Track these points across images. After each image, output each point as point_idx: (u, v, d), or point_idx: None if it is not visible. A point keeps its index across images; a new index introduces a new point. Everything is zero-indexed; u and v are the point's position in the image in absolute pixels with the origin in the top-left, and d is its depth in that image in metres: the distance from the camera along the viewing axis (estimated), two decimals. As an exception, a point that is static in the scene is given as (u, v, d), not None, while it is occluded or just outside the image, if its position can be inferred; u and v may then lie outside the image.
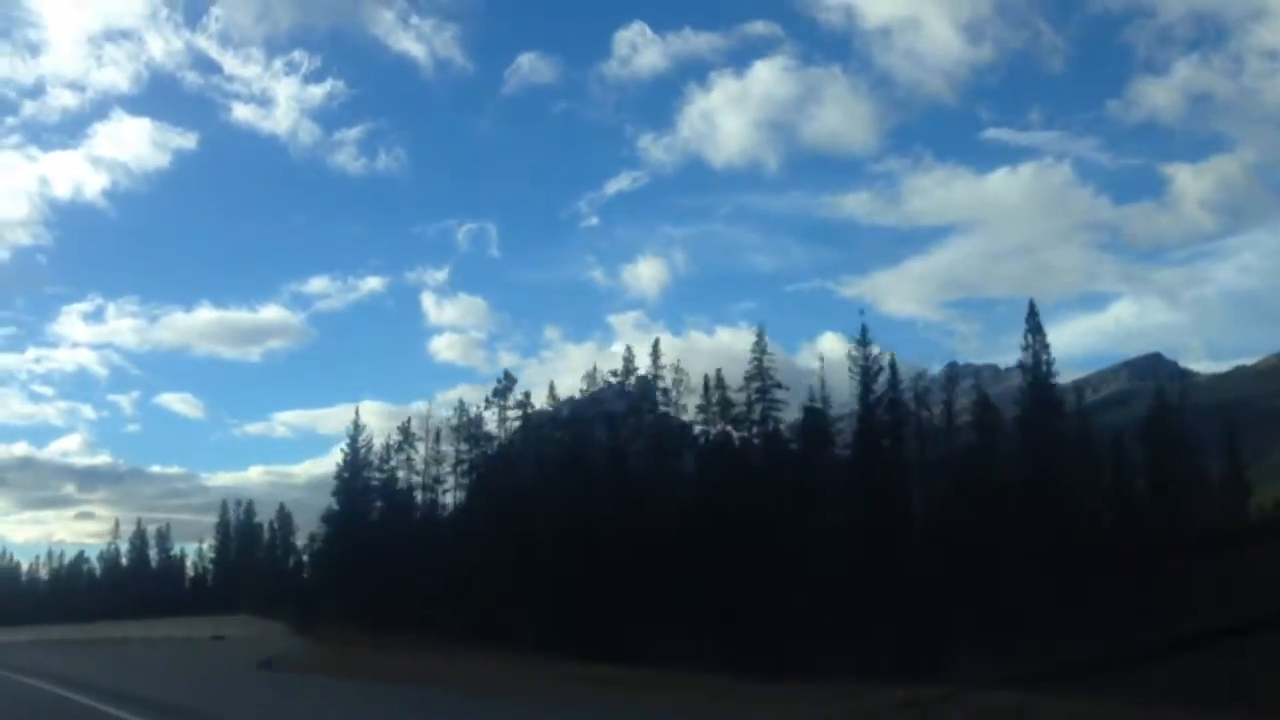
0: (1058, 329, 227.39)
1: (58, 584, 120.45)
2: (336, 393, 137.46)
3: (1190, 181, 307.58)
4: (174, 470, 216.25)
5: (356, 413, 71.39)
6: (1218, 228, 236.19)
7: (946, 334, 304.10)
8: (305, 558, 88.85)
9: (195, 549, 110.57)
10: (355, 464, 66.97)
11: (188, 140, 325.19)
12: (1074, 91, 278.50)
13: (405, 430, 67.01)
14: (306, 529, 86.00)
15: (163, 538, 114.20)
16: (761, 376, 53.59)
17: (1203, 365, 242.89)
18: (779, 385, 53.83)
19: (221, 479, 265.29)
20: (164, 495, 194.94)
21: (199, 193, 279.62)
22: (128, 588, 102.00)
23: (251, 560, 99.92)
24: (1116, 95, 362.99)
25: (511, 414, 63.03)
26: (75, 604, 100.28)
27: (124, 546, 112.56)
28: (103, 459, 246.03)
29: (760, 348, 53.21)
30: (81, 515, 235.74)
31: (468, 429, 63.76)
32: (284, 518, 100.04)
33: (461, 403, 66.67)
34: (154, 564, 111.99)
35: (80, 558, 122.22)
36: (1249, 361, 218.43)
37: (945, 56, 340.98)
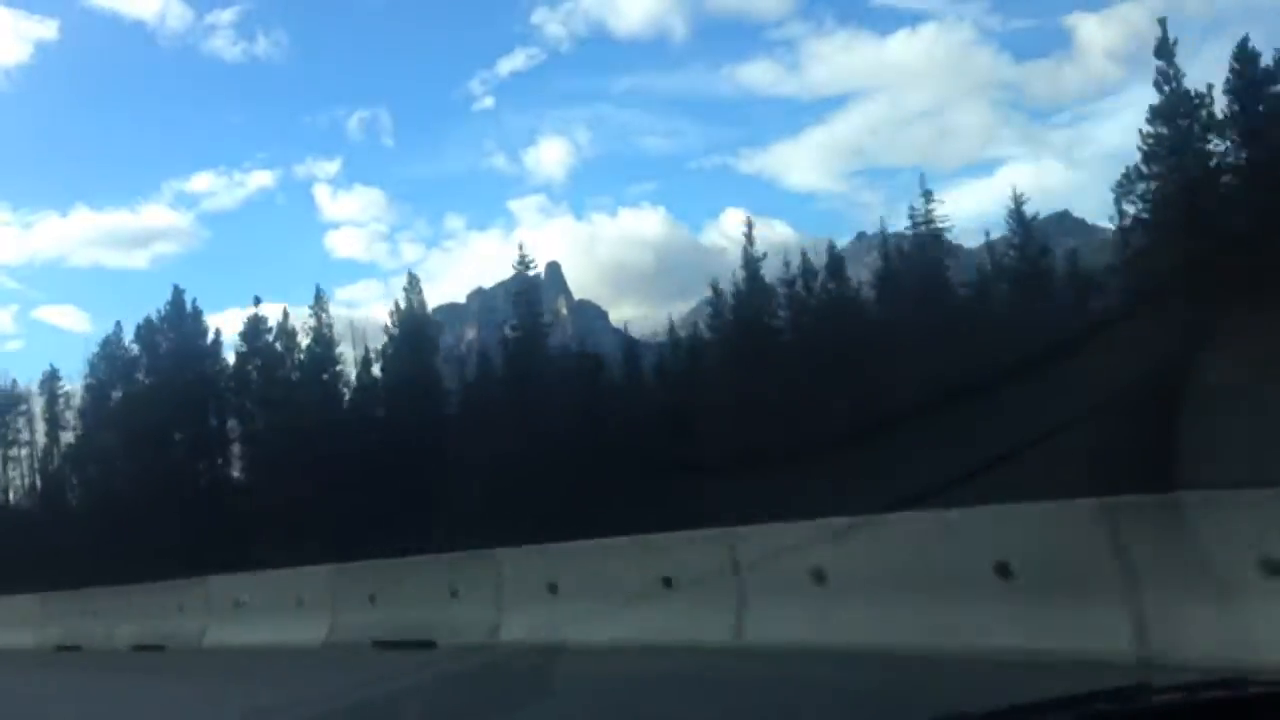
0: (963, 190, 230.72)
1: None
2: (231, 295, 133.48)
3: (1095, 32, 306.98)
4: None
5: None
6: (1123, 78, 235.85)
7: (850, 204, 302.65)
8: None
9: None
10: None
11: (48, 29, 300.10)
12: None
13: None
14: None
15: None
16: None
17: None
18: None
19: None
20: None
21: (65, 87, 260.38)
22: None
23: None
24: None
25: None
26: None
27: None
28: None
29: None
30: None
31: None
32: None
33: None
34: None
35: None
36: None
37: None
